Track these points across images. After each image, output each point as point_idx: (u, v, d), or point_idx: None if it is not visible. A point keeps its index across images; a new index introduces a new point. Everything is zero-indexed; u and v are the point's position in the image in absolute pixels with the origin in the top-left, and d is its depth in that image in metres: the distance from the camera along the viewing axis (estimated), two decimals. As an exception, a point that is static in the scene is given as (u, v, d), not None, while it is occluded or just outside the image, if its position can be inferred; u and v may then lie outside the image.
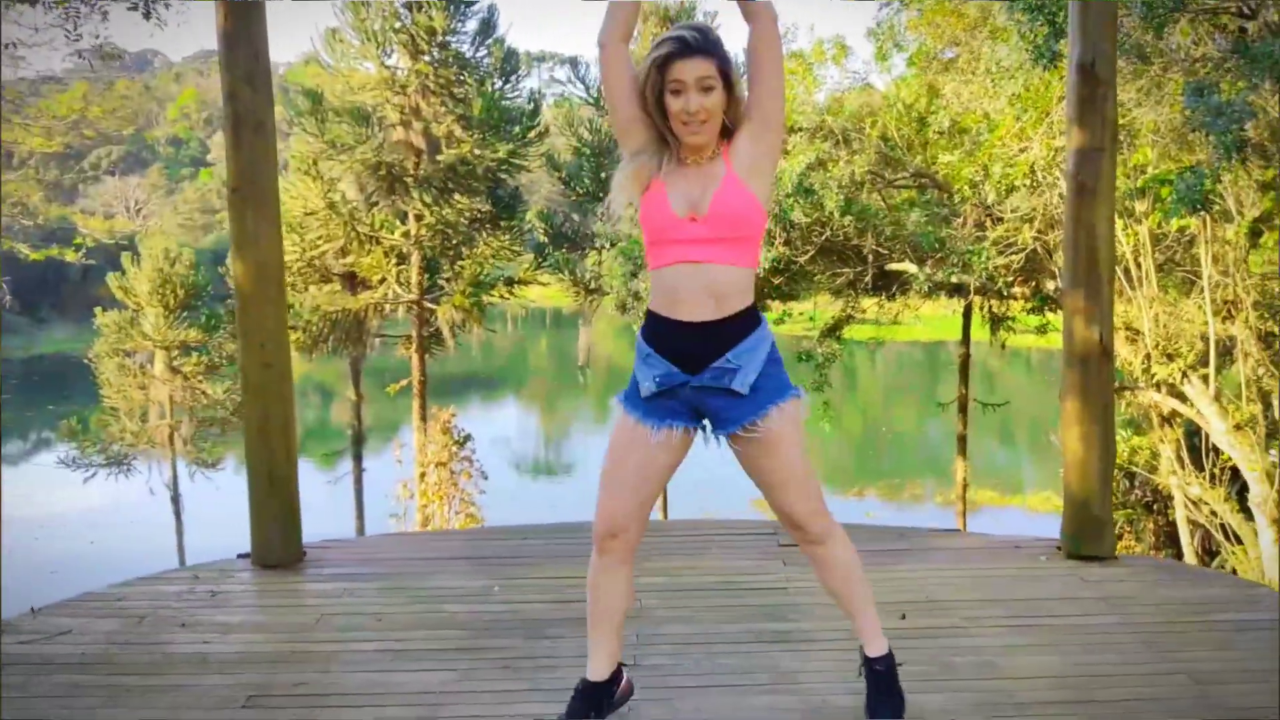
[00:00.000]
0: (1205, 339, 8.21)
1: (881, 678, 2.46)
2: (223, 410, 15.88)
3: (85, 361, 16.85)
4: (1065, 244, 3.84)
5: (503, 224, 15.22)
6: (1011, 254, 8.97)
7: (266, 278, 3.62)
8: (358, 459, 15.60)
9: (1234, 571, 8.42)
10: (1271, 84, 5.97)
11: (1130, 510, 10.86)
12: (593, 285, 17.33)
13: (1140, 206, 7.79)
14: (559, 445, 26.36)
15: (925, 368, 29.95)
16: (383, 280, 14.49)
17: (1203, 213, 6.93)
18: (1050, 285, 9.41)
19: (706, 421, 2.30)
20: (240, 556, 3.82)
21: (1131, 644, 2.98)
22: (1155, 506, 10.91)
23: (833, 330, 11.19)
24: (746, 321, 2.21)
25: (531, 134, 15.20)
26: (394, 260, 14.50)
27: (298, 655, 2.99)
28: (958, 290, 9.98)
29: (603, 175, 18.35)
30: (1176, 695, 2.66)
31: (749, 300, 2.23)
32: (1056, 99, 7.67)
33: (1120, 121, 6.04)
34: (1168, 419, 9.37)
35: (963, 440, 12.03)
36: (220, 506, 16.21)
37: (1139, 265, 8.38)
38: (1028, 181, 8.37)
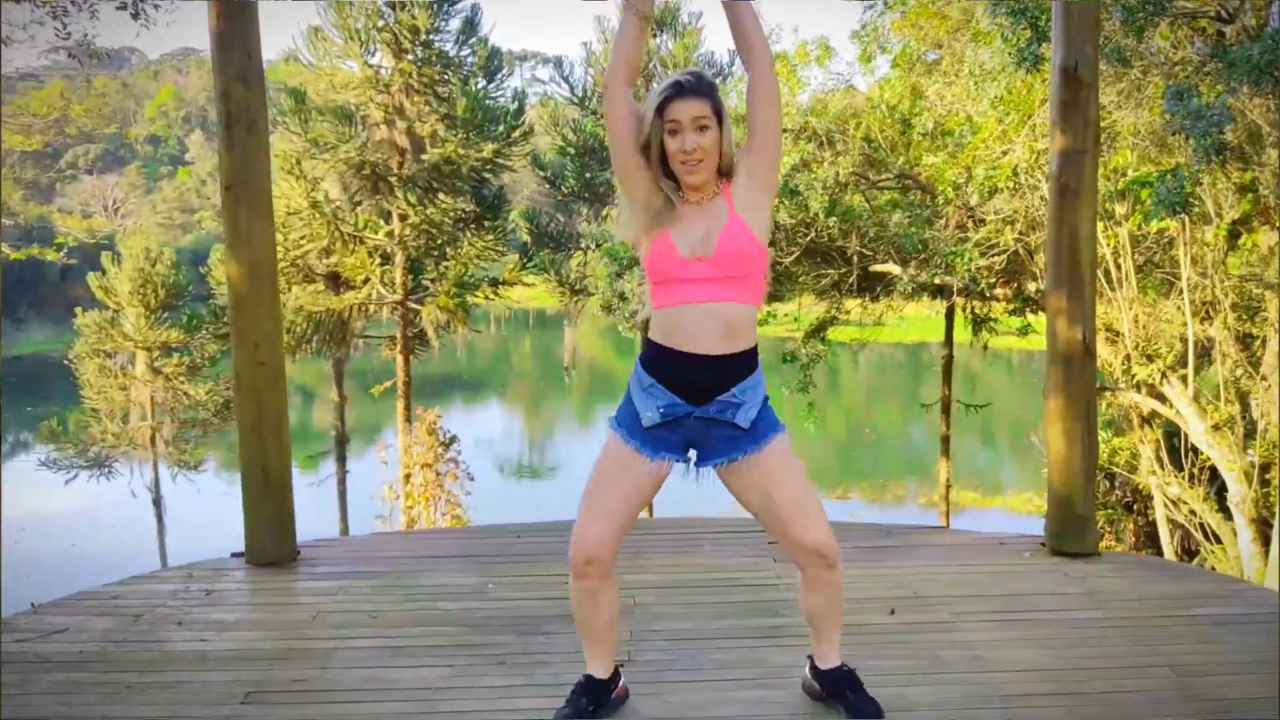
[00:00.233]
0: (1184, 340, 8.32)
1: (853, 677, 2.52)
2: (204, 411, 15.76)
3: (65, 362, 16.68)
4: (1048, 245, 3.91)
5: (487, 224, 15.20)
6: (994, 255, 9.06)
7: (260, 277, 3.63)
8: (341, 461, 15.53)
9: (1213, 570, 8.53)
10: (1250, 88, 6.07)
11: (1110, 510, 10.97)
12: (578, 286, 17.38)
13: (1120, 208, 7.89)
14: (543, 447, 26.33)
15: (908, 369, 30.15)
16: (366, 280, 14.43)
17: (1182, 215, 7.03)
18: (1032, 287, 9.51)
19: (692, 454, 2.33)
20: (234, 555, 3.82)
21: (1115, 638, 3.04)
22: (1135, 506, 11.04)
23: (817, 331, 11.25)
24: (750, 359, 2.27)
25: (516, 133, 15.18)
26: (378, 260, 14.45)
27: (295, 652, 3.01)
28: (941, 291, 10.07)
29: (588, 175, 18.41)
30: (1159, 687, 2.71)
31: (754, 339, 2.29)
32: (1039, 102, 7.76)
33: (1101, 124, 6.13)
34: (1147, 419, 9.48)
35: (946, 441, 12.13)
36: (202, 508, 16.12)
37: (1119, 267, 8.48)
38: (1010, 184, 8.46)
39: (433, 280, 14.74)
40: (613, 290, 10.61)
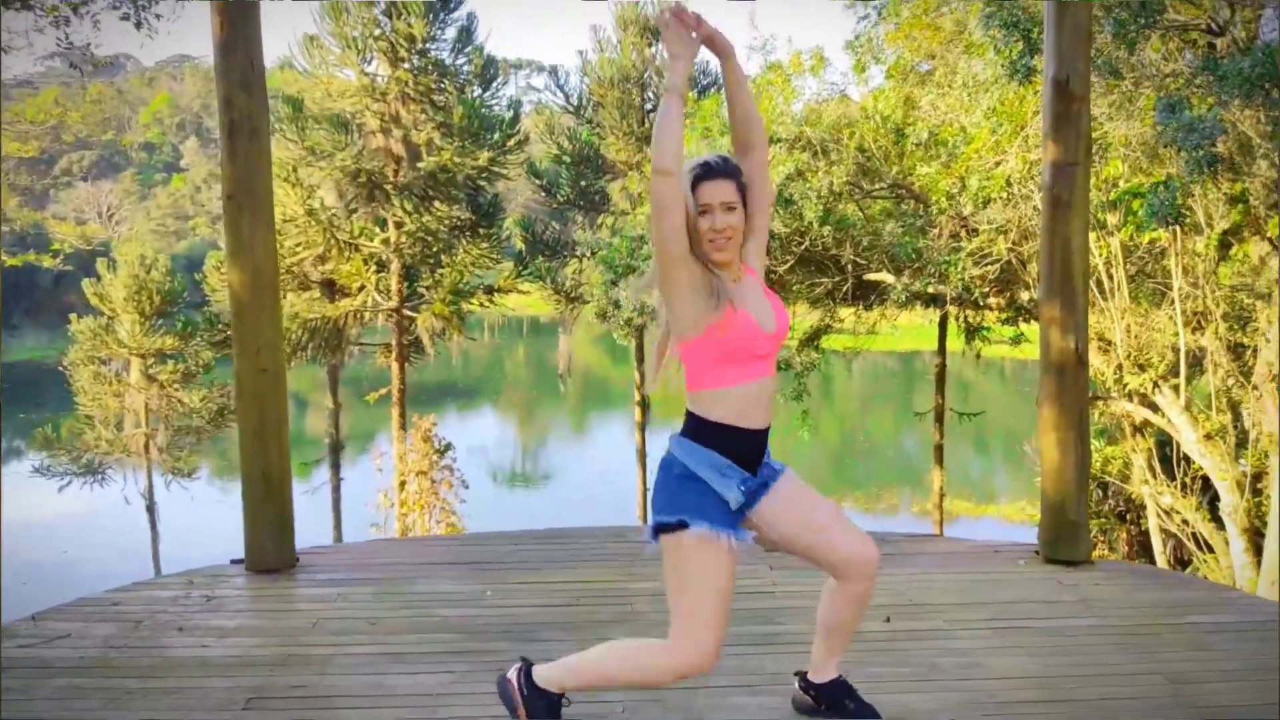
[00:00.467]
0: (1176, 349, 8.37)
1: (848, 686, 2.54)
2: (199, 419, 15.72)
3: (59, 369, 16.64)
4: (1041, 255, 3.95)
5: (482, 231, 15.23)
6: (987, 265, 9.11)
7: (262, 284, 3.65)
8: (335, 468, 15.50)
9: (1205, 579, 8.56)
10: (1241, 101, 6.14)
11: (1104, 519, 11.01)
12: (573, 293, 17.42)
13: (1112, 219, 7.95)
14: (536, 454, 26.31)
15: (901, 377, 30.23)
16: (362, 288, 14.44)
17: (1174, 226, 7.09)
18: (1025, 296, 9.57)
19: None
20: (234, 561, 3.83)
21: (1108, 645, 3.07)
22: (1128, 516, 11.08)
23: (811, 339, 11.29)
24: None
25: (511, 141, 15.23)
26: (373, 268, 14.46)
27: (295, 659, 3.02)
28: (934, 300, 10.12)
29: (582, 183, 18.47)
30: (1152, 695, 2.74)
31: None
32: (1031, 113, 7.82)
33: (1092, 135, 6.18)
34: (1140, 428, 9.53)
35: (939, 449, 12.17)
36: (195, 515, 16.07)
37: (1111, 276, 8.54)
38: (1003, 194, 8.52)
39: (428, 288, 14.76)
40: (607, 298, 10.63)
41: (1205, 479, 8.81)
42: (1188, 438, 8.39)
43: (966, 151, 8.72)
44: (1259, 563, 8.09)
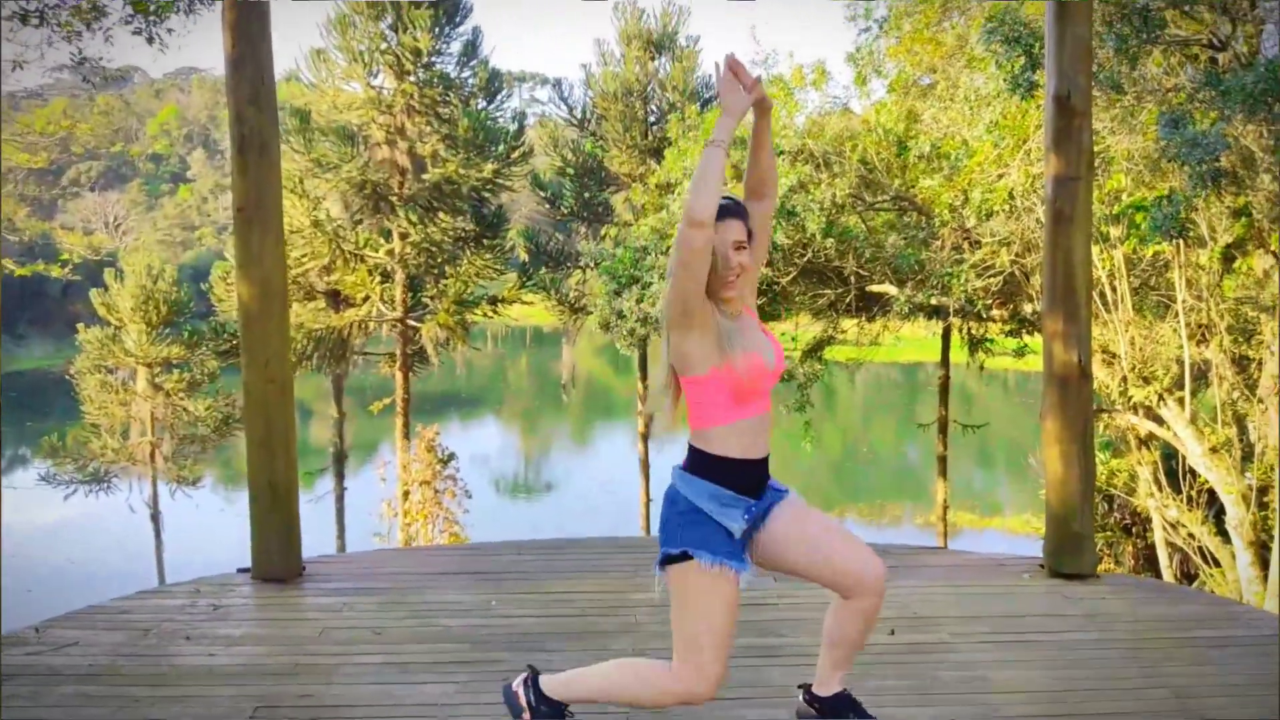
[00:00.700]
0: (1181, 362, 8.37)
1: (853, 700, 2.54)
2: (204, 427, 15.77)
3: (66, 378, 16.71)
4: (1044, 270, 3.97)
5: (486, 242, 15.30)
6: (990, 277, 9.13)
7: (270, 296, 3.69)
8: (339, 477, 15.53)
9: (1212, 593, 8.53)
10: (1244, 115, 6.16)
11: (1109, 532, 10.98)
12: (576, 304, 17.47)
13: (1115, 232, 7.96)
14: (539, 464, 26.30)
15: (904, 389, 30.19)
16: (366, 298, 14.50)
17: (1178, 239, 7.10)
18: (1028, 308, 9.58)
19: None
20: (241, 570, 3.85)
21: (1114, 659, 3.07)
22: (1134, 529, 11.04)
23: (814, 351, 11.31)
24: None
25: (515, 154, 15.31)
26: (378, 278, 14.52)
27: (301, 668, 3.04)
28: (937, 312, 10.14)
29: (586, 195, 18.55)
30: (1158, 709, 2.74)
31: None
32: (1034, 127, 7.84)
33: (1095, 149, 6.20)
34: (1145, 441, 9.51)
35: (943, 461, 12.16)
36: (198, 524, 16.10)
37: (1114, 289, 8.55)
38: (1006, 206, 8.54)
39: (432, 298, 14.82)
40: (610, 308, 10.66)
41: (1211, 492, 8.79)
42: (1193, 451, 8.37)
43: (969, 164, 8.75)
44: (1265, 576, 8.06)
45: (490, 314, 15.76)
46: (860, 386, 27.88)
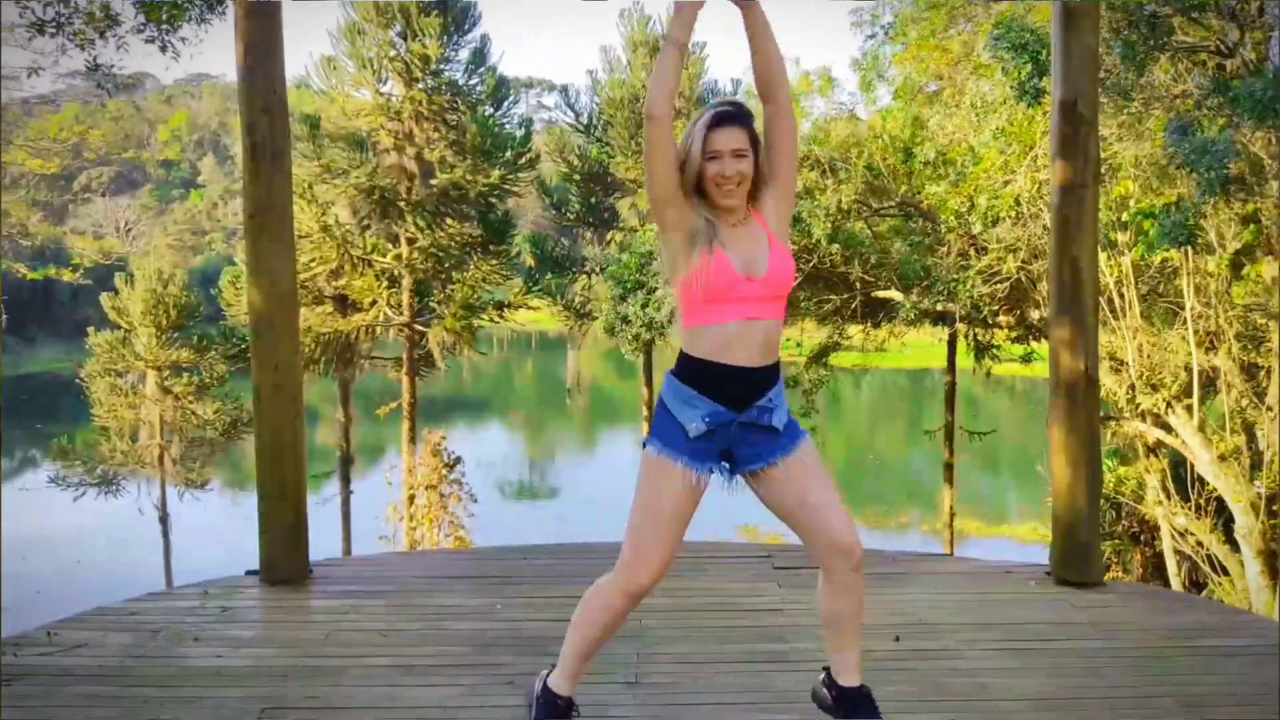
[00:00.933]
0: (1189, 370, 8.35)
1: (870, 701, 2.51)
2: (212, 431, 15.84)
3: (76, 381, 16.81)
4: (1050, 276, 3.97)
5: (493, 248, 15.36)
6: (996, 283, 9.13)
7: (281, 302, 3.72)
8: (345, 481, 15.57)
9: (1220, 601, 8.48)
10: (1253, 123, 6.15)
11: (1117, 540, 10.92)
12: (582, 309, 17.52)
13: (1123, 238, 7.95)
14: (544, 469, 26.32)
15: (910, 395, 30.13)
16: (374, 303, 14.56)
17: (1186, 246, 7.09)
18: (1035, 314, 9.57)
19: (725, 465, 2.39)
20: (249, 573, 3.88)
21: (1120, 667, 3.06)
22: (1142, 537, 10.99)
23: (819, 356, 11.31)
24: (778, 368, 2.39)
25: (522, 160, 15.37)
26: (385, 283, 14.58)
27: (309, 669, 3.06)
28: (943, 318, 10.14)
29: (592, 200, 18.61)
30: (1164, 717, 2.74)
31: (779, 350, 2.39)
32: (1040, 133, 7.84)
33: (1102, 156, 6.21)
34: (1153, 449, 9.48)
35: (949, 468, 12.14)
36: (205, 527, 16.15)
37: (1122, 296, 8.53)
38: (1013, 213, 8.54)
39: (439, 303, 14.87)
40: (616, 313, 10.69)
41: (1220, 500, 8.75)
42: (1201, 459, 8.34)
43: (975, 171, 8.75)
44: (1275, 585, 8.02)
45: (496, 319, 15.81)
46: (866, 393, 27.84)
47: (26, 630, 3.34)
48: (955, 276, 9.16)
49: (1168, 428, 8.71)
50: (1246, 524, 8.19)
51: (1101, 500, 7.62)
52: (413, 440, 14.08)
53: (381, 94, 14.69)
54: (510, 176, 15.01)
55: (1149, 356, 8.70)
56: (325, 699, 2.86)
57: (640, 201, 15.06)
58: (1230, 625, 3.51)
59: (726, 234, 2.28)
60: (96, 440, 16.28)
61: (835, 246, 9.47)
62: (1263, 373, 8.83)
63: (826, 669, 2.58)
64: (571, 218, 18.87)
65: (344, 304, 14.83)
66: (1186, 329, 8.21)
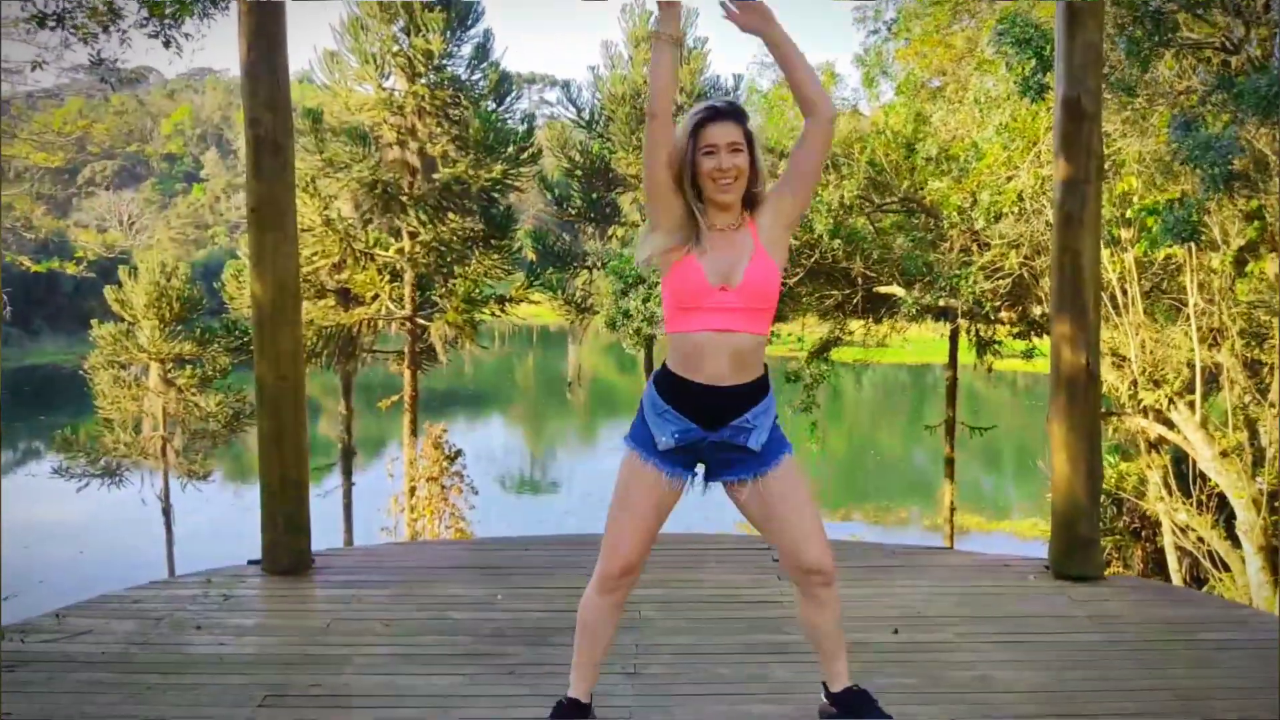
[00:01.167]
0: (1191, 366, 8.34)
1: (865, 696, 2.51)
2: (215, 423, 15.87)
3: (79, 373, 16.84)
4: (1052, 271, 3.98)
5: (495, 242, 15.36)
6: (998, 279, 9.12)
7: (284, 295, 3.73)
8: (347, 473, 15.59)
9: (1220, 596, 8.48)
10: (1258, 119, 6.14)
11: (1118, 536, 10.93)
12: (583, 304, 17.53)
13: (1127, 235, 7.94)
14: (544, 462, 26.34)
15: (911, 390, 30.11)
16: (376, 296, 14.58)
17: (1189, 242, 7.08)
18: (1037, 310, 9.56)
19: (700, 468, 2.39)
20: (251, 563, 3.89)
21: (1118, 661, 3.07)
22: (1143, 533, 11.00)
23: (821, 351, 11.31)
24: (761, 386, 2.33)
25: (524, 155, 15.37)
26: (388, 277, 14.60)
27: (311, 658, 3.08)
28: (945, 314, 10.13)
29: (593, 195, 18.61)
30: (1162, 711, 2.75)
31: (763, 366, 2.35)
32: (1044, 129, 7.83)
33: (1105, 152, 6.20)
34: (1155, 445, 9.48)
35: (950, 463, 12.14)
36: (207, 517, 16.19)
37: (1125, 292, 8.53)
38: (1015, 208, 8.53)
39: (441, 296, 14.89)
40: (617, 308, 10.70)
41: (1221, 497, 8.75)
42: (1203, 455, 8.34)
43: (978, 166, 8.74)
44: (1276, 581, 8.03)
45: (498, 313, 15.82)
46: (867, 388, 27.82)
47: (30, 617, 3.36)
48: (957, 272, 9.16)
49: (1170, 424, 8.71)
50: (1248, 520, 8.19)
51: (1103, 496, 7.64)
52: (414, 433, 14.10)
53: (384, 89, 14.69)
54: (512, 171, 15.00)
55: (1151, 352, 8.69)
56: (327, 687, 2.87)
57: (642, 196, 15.05)
58: (1230, 620, 3.52)
59: (709, 239, 2.26)
60: (100, 432, 16.30)
61: (837, 242, 9.47)
62: (1265, 369, 8.82)
63: (824, 684, 2.59)
64: (573, 213, 18.87)
65: (346, 298, 14.85)
66: (1189, 325, 8.20)
